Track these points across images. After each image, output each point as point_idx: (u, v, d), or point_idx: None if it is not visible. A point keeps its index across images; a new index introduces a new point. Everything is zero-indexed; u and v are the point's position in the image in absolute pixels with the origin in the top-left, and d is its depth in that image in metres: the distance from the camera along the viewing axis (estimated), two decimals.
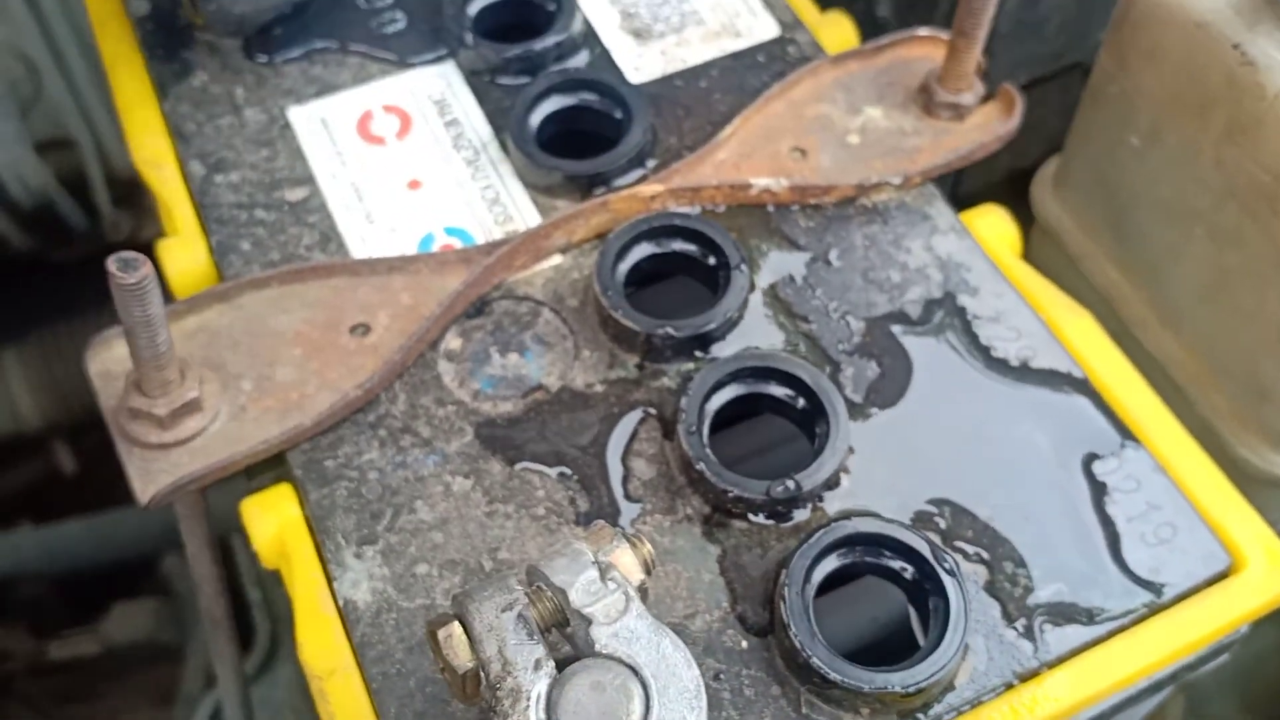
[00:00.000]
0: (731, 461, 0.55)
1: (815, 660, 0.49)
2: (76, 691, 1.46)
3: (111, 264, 0.49)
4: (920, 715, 0.50)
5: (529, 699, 0.43)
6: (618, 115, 0.67)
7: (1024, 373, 0.59)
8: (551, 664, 0.44)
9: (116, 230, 1.49)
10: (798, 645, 0.49)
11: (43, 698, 1.35)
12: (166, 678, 1.44)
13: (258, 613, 1.15)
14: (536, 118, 0.67)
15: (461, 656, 0.44)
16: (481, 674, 0.44)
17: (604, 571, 0.45)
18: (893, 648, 0.52)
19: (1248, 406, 0.68)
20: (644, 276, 0.63)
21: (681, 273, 0.63)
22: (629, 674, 0.43)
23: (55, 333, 1.50)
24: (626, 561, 0.46)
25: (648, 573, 0.47)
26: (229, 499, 0.61)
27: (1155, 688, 0.56)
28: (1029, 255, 0.83)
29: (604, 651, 0.44)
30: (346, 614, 0.52)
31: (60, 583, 1.53)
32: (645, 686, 0.43)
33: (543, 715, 0.43)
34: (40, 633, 1.47)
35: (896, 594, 0.53)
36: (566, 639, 0.46)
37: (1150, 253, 0.71)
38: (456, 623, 0.45)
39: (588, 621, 0.44)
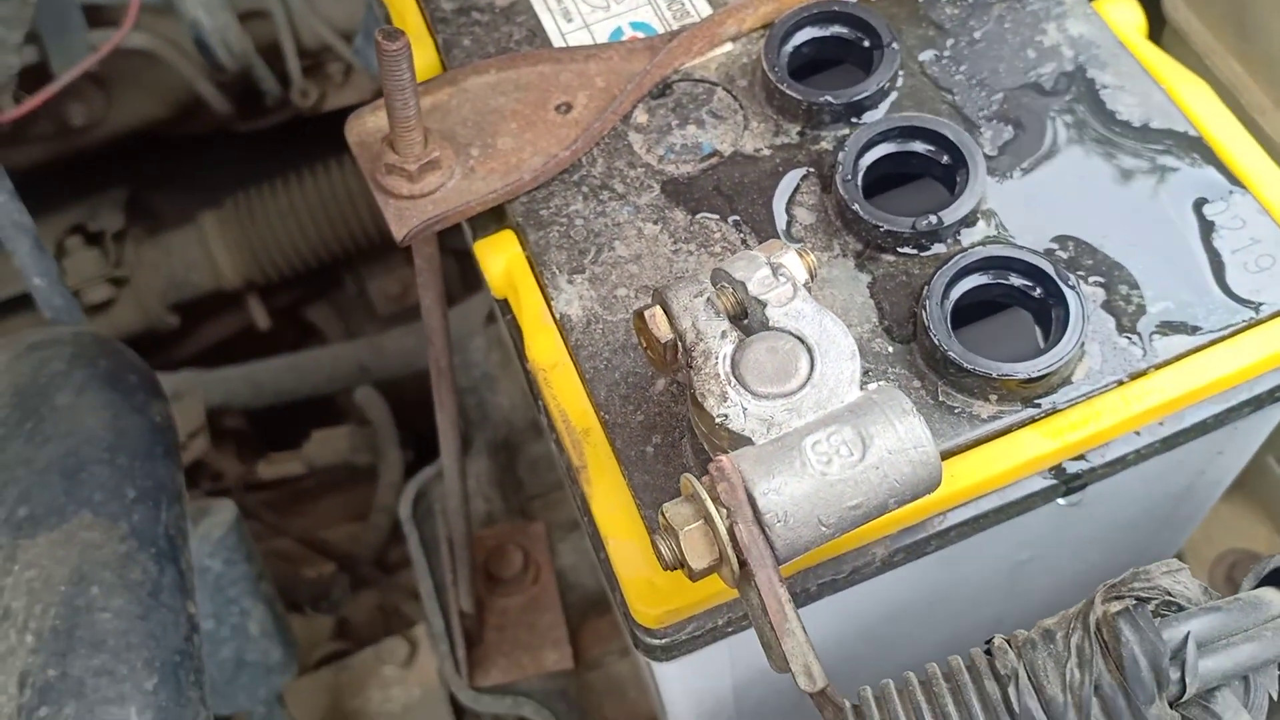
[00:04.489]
0: None
1: (951, 353, 0.58)
2: (283, 506, 1.62)
3: (379, 34, 0.61)
4: (1040, 401, 0.59)
5: (717, 357, 0.54)
6: None
7: (1144, 132, 0.67)
8: (736, 333, 0.55)
9: (305, 98, 1.62)
10: (936, 342, 0.59)
11: (257, 507, 1.50)
12: (361, 496, 1.61)
13: None
14: None
15: (662, 330, 0.55)
16: (679, 343, 0.56)
17: (775, 270, 0.56)
18: None
19: None
20: (806, 61, 0.72)
21: (841, 57, 0.72)
22: (797, 341, 0.54)
23: (248, 197, 1.63)
24: (793, 262, 0.57)
25: (811, 276, 0.58)
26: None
27: (1256, 402, 0.64)
28: None
29: (777, 326, 0.55)
30: (563, 325, 0.64)
31: (258, 417, 1.67)
32: (810, 351, 0.54)
33: (728, 368, 0.54)
34: (245, 459, 1.64)
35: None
36: (744, 330, 0.57)
37: (1270, 44, 0.76)
38: (658, 306, 0.56)
39: (763, 305, 0.55)
